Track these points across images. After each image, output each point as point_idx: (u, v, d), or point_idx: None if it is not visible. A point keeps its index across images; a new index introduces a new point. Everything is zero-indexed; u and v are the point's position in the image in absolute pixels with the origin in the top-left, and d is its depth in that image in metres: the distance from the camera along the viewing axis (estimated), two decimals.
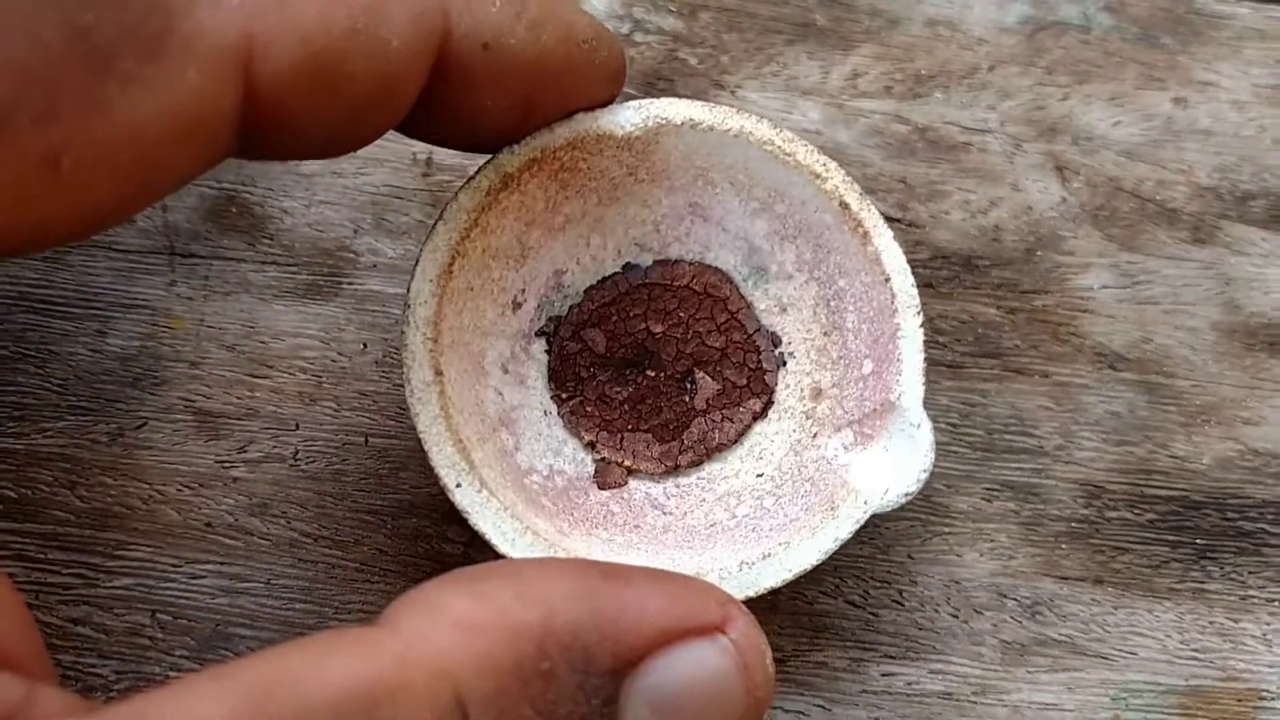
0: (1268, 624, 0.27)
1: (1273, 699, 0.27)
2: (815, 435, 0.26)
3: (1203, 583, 0.27)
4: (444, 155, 0.30)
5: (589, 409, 0.26)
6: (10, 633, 0.18)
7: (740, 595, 0.23)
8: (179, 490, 0.26)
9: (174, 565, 0.26)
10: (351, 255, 0.29)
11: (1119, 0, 0.34)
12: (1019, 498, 0.28)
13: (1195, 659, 0.27)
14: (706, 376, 0.27)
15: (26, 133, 0.17)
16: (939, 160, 0.32)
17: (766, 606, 0.26)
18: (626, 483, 0.26)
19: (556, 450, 0.26)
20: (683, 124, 0.25)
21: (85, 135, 0.17)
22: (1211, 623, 0.27)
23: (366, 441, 0.27)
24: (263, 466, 0.27)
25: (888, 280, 0.25)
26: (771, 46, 0.32)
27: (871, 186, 0.31)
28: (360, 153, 0.30)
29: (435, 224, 0.24)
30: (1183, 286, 0.31)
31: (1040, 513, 0.28)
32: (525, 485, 0.25)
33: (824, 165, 0.25)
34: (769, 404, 0.27)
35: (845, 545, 0.27)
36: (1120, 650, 0.27)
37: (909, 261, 0.28)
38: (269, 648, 0.17)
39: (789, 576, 0.23)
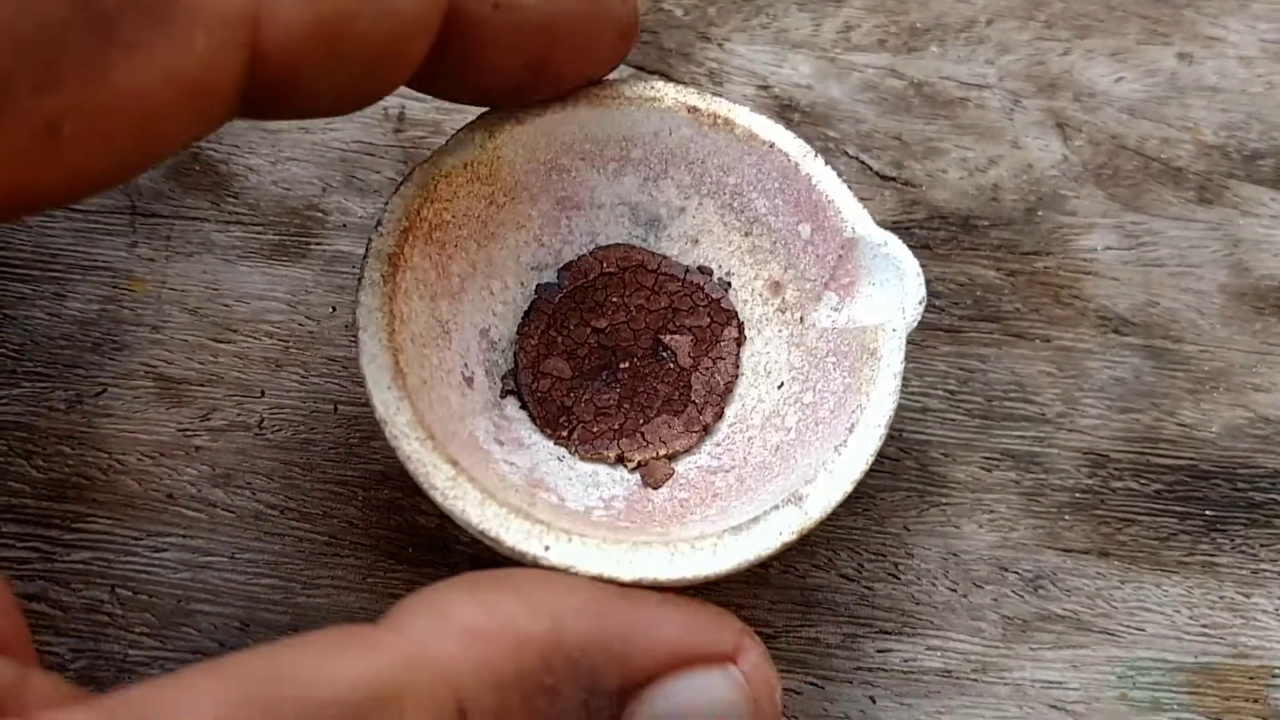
0: None
1: None
2: (802, 319, 0.25)
3: (1212, 556, 0.26)
4: (416, 110, 0.29)
5: (594, 429, 0.25)
6: None
7: (861, 465, 0.22)
8: (139, 460, 0.25)
9: (134, 538, 0.25)
10: (320, 214, 0.28)
11: None
12: (1020, 467, 0.27)
13: (1205, 635, 0.25)
14: (674, 336, 0.26)
15: (26, 102, 0.16)
16: (935, 117, 0.30)
17: (756, 581, 0.25)
18: (675, 470, 0.25)
19: (594, 483, 0.24)
20: (509, 124, 0.24)
21: (87, 103, 0.17)
22: (1222, 597, 0.26)
23: (335, 409, 0.26)
24: (227, 435, 0.25)
25: (772, 146, 0.25)
26: None
27: (865, 144, 0.30)
28: None
29: (359, 336, 0.22)
30: (1189, 248, 0.29)
31: (1042, 483, 0.27)
32: (595, 521, 0.23)
33: (653, 88, 0.25)
34: (741, 325, 0.26)
35: (838, 516, 0.26)
36: (1127, 626, 0.25)
37: (904, 223, 0.27)
38: (268, 644, 0.16)
39: (883, 431, 0.22)
